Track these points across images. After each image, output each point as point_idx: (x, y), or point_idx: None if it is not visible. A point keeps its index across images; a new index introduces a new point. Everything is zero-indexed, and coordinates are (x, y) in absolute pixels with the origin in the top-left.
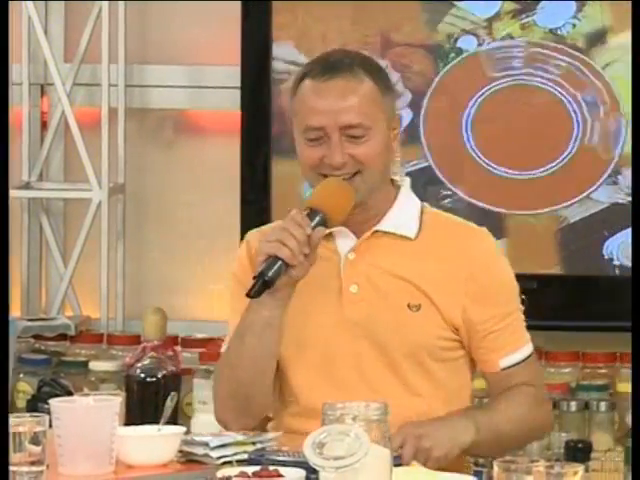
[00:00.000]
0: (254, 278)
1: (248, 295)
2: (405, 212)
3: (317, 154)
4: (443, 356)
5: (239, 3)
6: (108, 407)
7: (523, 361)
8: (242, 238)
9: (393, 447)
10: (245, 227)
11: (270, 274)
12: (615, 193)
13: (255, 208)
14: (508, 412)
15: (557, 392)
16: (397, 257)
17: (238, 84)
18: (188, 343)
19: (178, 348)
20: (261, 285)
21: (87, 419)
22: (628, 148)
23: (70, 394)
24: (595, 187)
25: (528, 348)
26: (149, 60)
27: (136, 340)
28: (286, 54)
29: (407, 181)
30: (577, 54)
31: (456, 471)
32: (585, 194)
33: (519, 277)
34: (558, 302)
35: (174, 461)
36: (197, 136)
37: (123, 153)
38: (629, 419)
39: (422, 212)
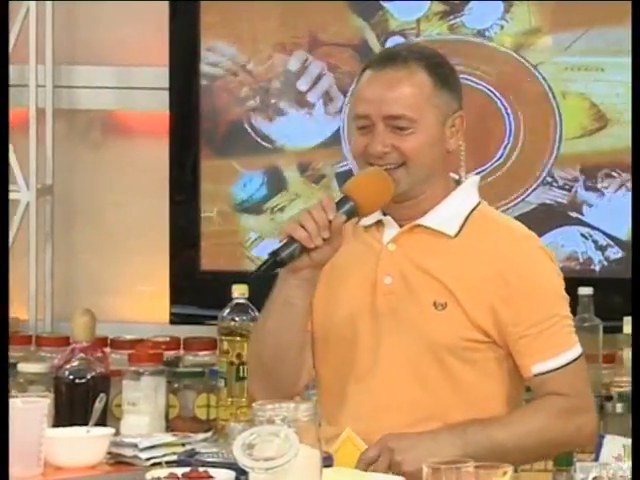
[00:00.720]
0: (268, 255)
1: (256, 272)
2: (452, 209)
3: (363, 142)
4: (468, 357)
5: (167, 3)
6: (37, 409)
7: (559, 369)
8: (171, 238)
9: (369, 458)
10: (174, 227)
11: (283, 255)
12: (543, 194)
13: (184, 208)
14: (517, 425)
15: None
16: (432, 253)
17: (167, 85)
18: (117, 344)
19: (107, 349)
20: (272, 263)
21: (15, 421)
22: (563, 149)
23: None
24: (529, 189)
25: (567, 356)
26: (77, 61)
27: (65, 342)
28: (215, 54)
29: (472, 179)
30: (511, 53)
31: None
32: (521, 196)
33: None
34: None
35: (103, 463)
36: (126, 137)
37: (51, 154)
38: None
39: (474, 210)
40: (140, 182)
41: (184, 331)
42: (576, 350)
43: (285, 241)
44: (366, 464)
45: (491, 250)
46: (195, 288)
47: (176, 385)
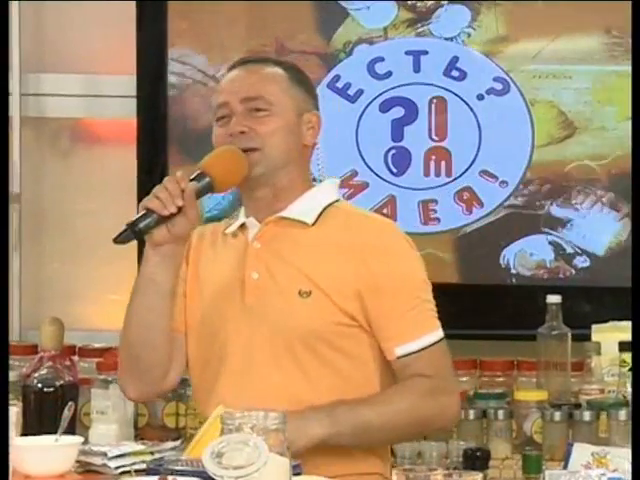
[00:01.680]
0: (125, 225)
1: (114, 240)
2: (311, 203)
3: (224, 131)
4: (339, 344)
5: (135, 11)
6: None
7: (421, 350)
8: (139, 246)
9: None
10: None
11: (140, 224)
12: (511, 202)
13: None
14: (384, 404)
15: None
16: (293, 244)
17: (134, 93)
18: (86, 353)
19: (75, 358)
20: (129, 233)
21: None
22: (536, 156)
23: None
24: (498, 199)
25: (429, 338)
26: (45, 68)
27: (33, 350)
28: (182, 61)
29: (332, 180)
30: (480, 56)
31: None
32: (489, 207)
33: None
34: (455, 310)
35: (72, 471)
36: (94, 145)
37: (18, 162)
38: (526, 427)
39: (332, 204)
40: (109, 189)
41: None
42: (438, 333)
43: (142, 213)
44: None
45: (351, 237)
46: None
47: None
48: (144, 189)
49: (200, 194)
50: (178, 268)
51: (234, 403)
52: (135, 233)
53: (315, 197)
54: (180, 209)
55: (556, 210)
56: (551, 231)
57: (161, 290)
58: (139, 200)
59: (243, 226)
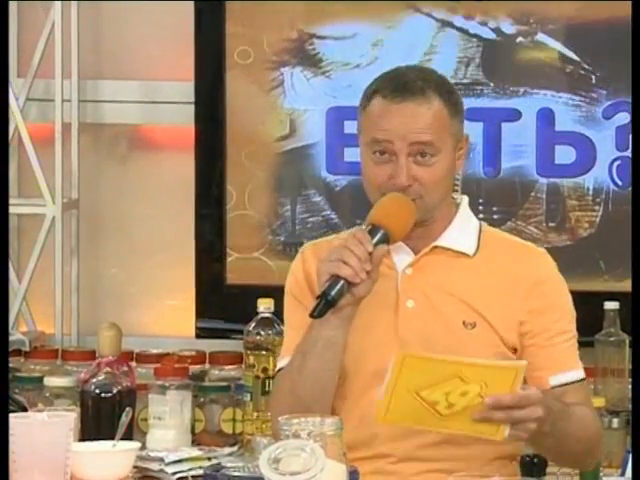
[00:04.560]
0: (317, 298)
1: (312, 315)
2: (464, 229)
3: (384, 172)
4: None
5: (193, 17)
6: (63, 423)
7: (575, 382)
8: (197, 253)
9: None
10: (200, 242)
11: (333, 294)
12: None
13: (210, 223)
14: (577, 419)
15: None
16: (454, 274)
17: (192, 99)
18: (143, 358)
19: (133, 364)
20: (324, 305)
21: (42, 435)
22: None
23: (25, 410)
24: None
25: (580, 373)
26: (103, 75)
27: (91, 356)
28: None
29: (465, 199)
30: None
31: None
32: None
33: None
34: None
35: (129, 477)
36: (151, 151)
37: (77, 168)
38: None
39: (481, 230)
40: (166, 196)
41: (210, 345)
42: (583, 371)
43: (331, 281)
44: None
45: (511, 268)
46: (221, 302)
47: (202, 399)
48: (201, 195)
49: None
50: (351, 325)
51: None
52: (329, 303)
53: (464, 223)
54: (367, 273)
55: None
56: None
57: (339, 350)
58: (196, 207)
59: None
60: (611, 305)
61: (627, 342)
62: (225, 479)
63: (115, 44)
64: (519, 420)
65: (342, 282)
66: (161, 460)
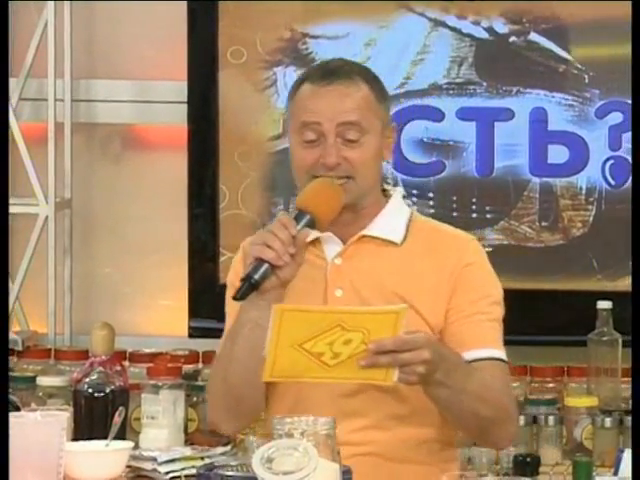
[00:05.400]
0: (241, 280)
1: (235, 298)
2: (393, 218)
3: (312, 156)
4: None
5: (186, 17)
6: (56, 422)
7: (489, 360)
8: (190, 252)
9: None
10: (193, 241)
11: (256, 276)
12: None
13: (203, 222)
14: (480, 379)
15: None
16: (382, 263)
17: (185, 99)
18: (136, 358)
19: (126, 363)
20: (247, 287)
21: (35, 434)
22: None
23: (18, 409)
24: None
25: (497, 352)
26: (96, 75)
27: (84, 355)
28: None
29: (398, 191)
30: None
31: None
32: None
33: None
34: (505, 316)
35: (122, 476)
36: (144, 151)
37: (70, 168)
38: (577, 433)
39: (410, 219)
40: (159, 196)
41: (203, 344)
42: (503, 353)
43: (255, 264)
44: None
45: (439, 254)
46: (214, 301)
47: (195, 398)
48: (194, 195)
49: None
50: None
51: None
52: (252, 286)
53: (394, 212)
54: (291, 256)
55: None
56: None
57: (266, 333)
58: (189, 206)
59: (316, 240)
60: (604, 304)
61: (620, 341)
62: (218, 478)
63: (108, 44)
64: (405, 362)
65: (266, 265)
66: (154, 459)
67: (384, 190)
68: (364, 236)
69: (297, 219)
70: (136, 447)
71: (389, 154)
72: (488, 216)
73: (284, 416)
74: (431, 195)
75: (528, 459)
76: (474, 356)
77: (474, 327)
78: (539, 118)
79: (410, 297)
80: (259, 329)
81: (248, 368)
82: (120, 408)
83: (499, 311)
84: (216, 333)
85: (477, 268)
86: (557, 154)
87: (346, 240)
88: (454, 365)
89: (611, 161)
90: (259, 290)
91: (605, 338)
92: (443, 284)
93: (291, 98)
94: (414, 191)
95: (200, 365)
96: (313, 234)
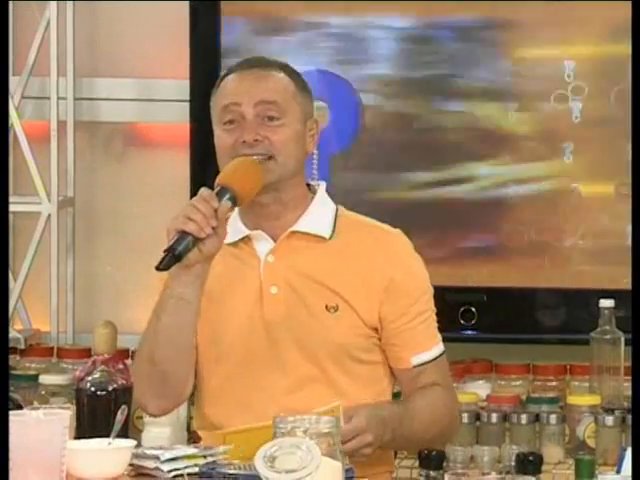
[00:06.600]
0: (164, 252)
1: (157, 268)
2: (320, 213)
3: (233, 137)
4: (362, 358)
5: (188, 16)
6: (58, 421)
7: (433, 360)
8: None
9: (356, 426)
10: None
11: (179, 248)
12: None
13: None
14: (424, 410)
15: (508, 405)
16: (313, 259)
17: (188, 97)
18: None
19: (128, 361)
20: (170, 258)
21: (37, 433)
22: None
23: (20, 408)
24: None
25: (438, 348)
26: (98, 73)
27: (86, 353)
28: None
29: (323, 185)
30: None
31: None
32: None
33: (469, 290)
34: (508, 314)
35: (125, 475)
36: (147, 149)
37: (72, 166)
38: (579, 431)
39: (337, 214)
40: (161, 193)
41: None
42: (442, 345)
43: (177, 236)
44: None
45: (371, 250)
46: None
47: None
48: (196, 193)
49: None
50: (204, 285)
51: (265, 416)
52: (175, 258)
53: (320, 207)
54: (213, 229)
55: None
56: None
57: (191, 308)
58: None
59: (246, 237)
60: (606, 303)
61: (622, 340)
62: (221, 477)
63: (110, 42)
64: (352, 451)
65: (189, 238)
66: (157, 458)
67: (309, 185)
68: (294, 232)
69: (219, 195)
70: (138, 445)
71: (312, 146)
72: None
73: (287, 415)
74: None
75: (530, 457)
76: (418, 361)
77: (415, 333)
78: None
79: (344, 293)
80: (184, 304)
81: (172, 343)
82: (123, 406)
83: (431, 300)
84: None
85: (407, 265)
86: None
87: (276, 237)
88: (398, 422)
89: None
90: (184, 265)
91: (607, 336)
92: (375, 282)
93: (214, 92)
94: None
95: None
96: (241, 232)
